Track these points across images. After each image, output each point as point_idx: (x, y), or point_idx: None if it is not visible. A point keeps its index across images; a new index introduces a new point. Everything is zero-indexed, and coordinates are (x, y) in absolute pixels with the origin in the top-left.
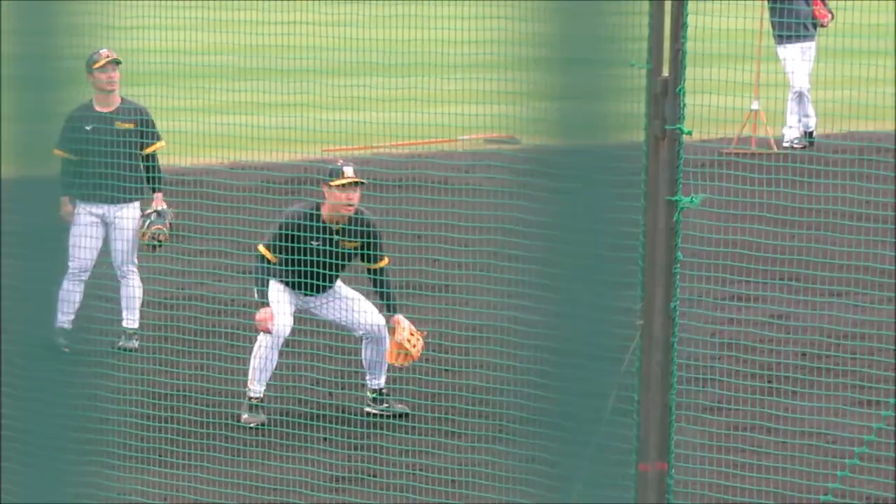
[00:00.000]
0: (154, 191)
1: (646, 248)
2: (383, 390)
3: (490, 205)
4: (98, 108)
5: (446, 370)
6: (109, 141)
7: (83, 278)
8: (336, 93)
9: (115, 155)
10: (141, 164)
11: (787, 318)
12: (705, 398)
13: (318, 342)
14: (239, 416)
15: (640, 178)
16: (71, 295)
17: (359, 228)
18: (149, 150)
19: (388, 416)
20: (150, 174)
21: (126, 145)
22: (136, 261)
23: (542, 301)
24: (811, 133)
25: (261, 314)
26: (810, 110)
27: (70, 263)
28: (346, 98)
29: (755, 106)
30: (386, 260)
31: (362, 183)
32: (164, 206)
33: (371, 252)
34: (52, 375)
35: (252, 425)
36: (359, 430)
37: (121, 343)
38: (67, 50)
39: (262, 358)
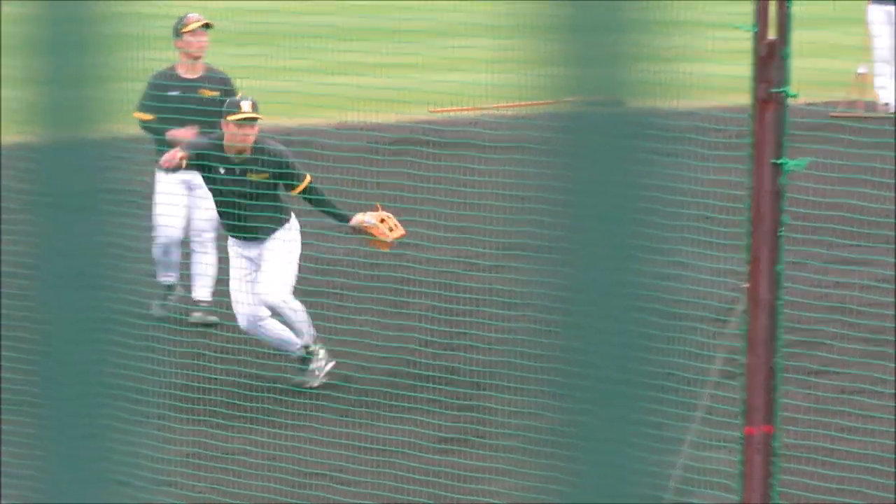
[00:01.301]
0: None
1: (752, 211)
2: (310, 351)
3: (593, 166)
4: (183, 75)
5: (550, 331)
6: (193, 108)
7: (174, 243)
8: (443, 54)
9: (198, 122)
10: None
11: (893, 281)
12: (811, 361)
13: (424, 303)
14: (346, 376)
15: (746, 141)
16: (167, 258)
17: (266, 158)
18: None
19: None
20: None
21: (210, 114)
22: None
23: (649, 263)
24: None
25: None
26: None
27: (159, 229)
28: (452, 59)
29: (862, 69)
30: (307, 179)
31: (257, 118)
32: None
33: (289, 181)
34: (158, 337)
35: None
36: (466, 390)
37: (195, 317)
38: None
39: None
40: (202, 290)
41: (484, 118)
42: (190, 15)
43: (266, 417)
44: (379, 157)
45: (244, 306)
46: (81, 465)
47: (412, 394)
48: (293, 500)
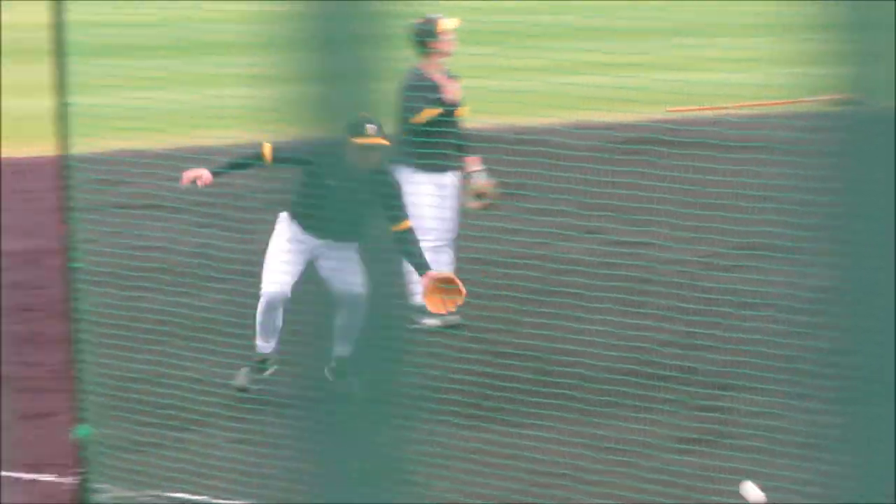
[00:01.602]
0: (467, 155)
1: None
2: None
3: (832, 166)
4: (434, 76)
5: (796, 332)
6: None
7: (438, 245)
8: (678, 53)
9: (449, 124)
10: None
11: None
12: None
13: (662, 302)
14: (584, 375)
15: None
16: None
17: (379, 178)
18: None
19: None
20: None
21: (455, 114)
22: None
23: (887, 263)
24: None
25: (197, 170)
26: None
27: (437, 237)
28: (688, 58)
29: None
30: (407, 223)
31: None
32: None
33: (395, 213)
34: (395, 337)
35: (236, 383)
36: (705, 390)
37: (426, 321)
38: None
39: (260, 323)
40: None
41: (727, 118)
42: (440, 16)
43: (505, 417)
44: (614, 157)
45: (280, 282)
46: (333, 465)
47: (651, 393)
48: (532, 500)
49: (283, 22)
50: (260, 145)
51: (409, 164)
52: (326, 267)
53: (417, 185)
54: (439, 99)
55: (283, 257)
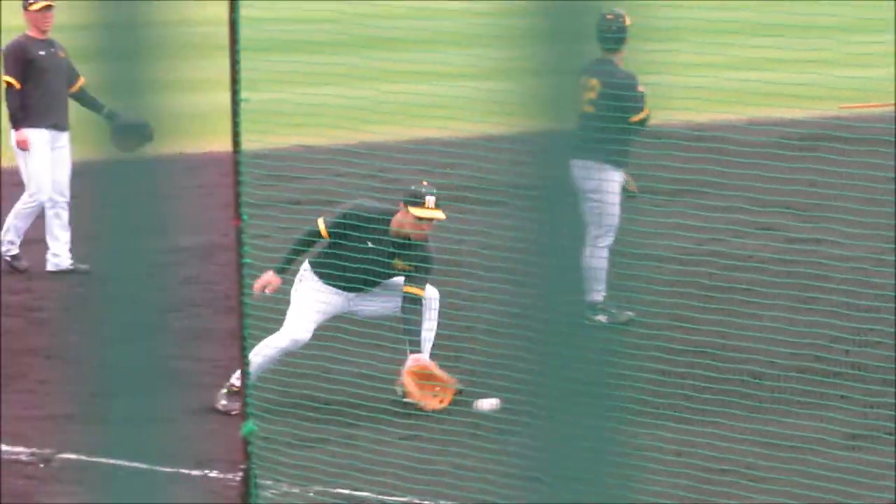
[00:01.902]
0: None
1: None
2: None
3: None
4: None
5: None
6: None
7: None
8: (852, 49)
9: (590, 117)
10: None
11: None
12: None
13: (834, 299)
14: (756, 372)
15: None
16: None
17: (418, 254)
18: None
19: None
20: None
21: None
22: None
23: None
24: None
25: (265, 277)
26: None
27: (609, 236)
28: (863, 55)
29: None
30: (424, 291)
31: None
32: None
33: (417, 275)
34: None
35: (222, 407)
36: (876, 387)
37: (597, 317)
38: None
39: (265, 359)
40: (598, 291)
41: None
42: (624, 13)
43: (675, 413)
44: (788, 153)
45: (309, 330)
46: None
47: (822, 390)
48: (702, 497)
49: (498, 17)
50: (314, 223)
51: (602, 160)
52: (373, 308)
53: (609, 181)
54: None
55: (311, 306)
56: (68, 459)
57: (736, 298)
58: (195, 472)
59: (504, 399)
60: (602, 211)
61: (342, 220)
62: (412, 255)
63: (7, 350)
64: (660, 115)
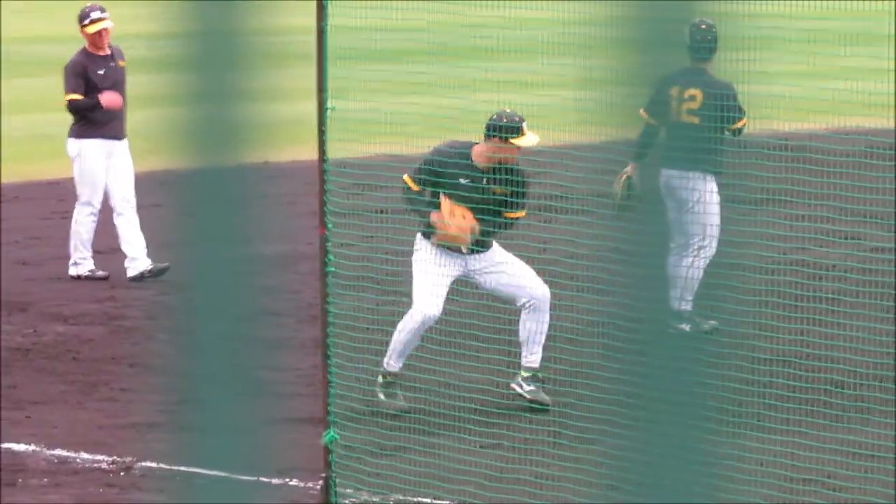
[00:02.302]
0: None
1: None
2: (538, 374)
3: None
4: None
5: None
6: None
7: (692, 254)
8: None
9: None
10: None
11: None
12: None
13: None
14: (838, 381)
15: None
16: (688, 274)
17: (511, 178)
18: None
19: (528, 402)
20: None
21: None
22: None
23: None
24: None
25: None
26: None
27: (709, 248)
28: None
29: None
30: (523, 213)
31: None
32: None
33: (514, 199)
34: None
35: (391, 410)
36: None
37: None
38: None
39: (405, 341)
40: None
41: None
42: (713, 23)
43: (758, 422)
44: (875, 162)
45: (437, 304)
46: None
47: None
48: None
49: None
50: (402, 180)
51: (704, 170)
52: (491, 281)
53: (710, 192)
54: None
55: (433, 279)
56: (149, 468)
57: (819, 307)
58: (276, 481)
59: (587, 408)
60: (704, 221)
61: (426, 167)
62: (507, 181)
63: (90, 358)
64: (750, 124)
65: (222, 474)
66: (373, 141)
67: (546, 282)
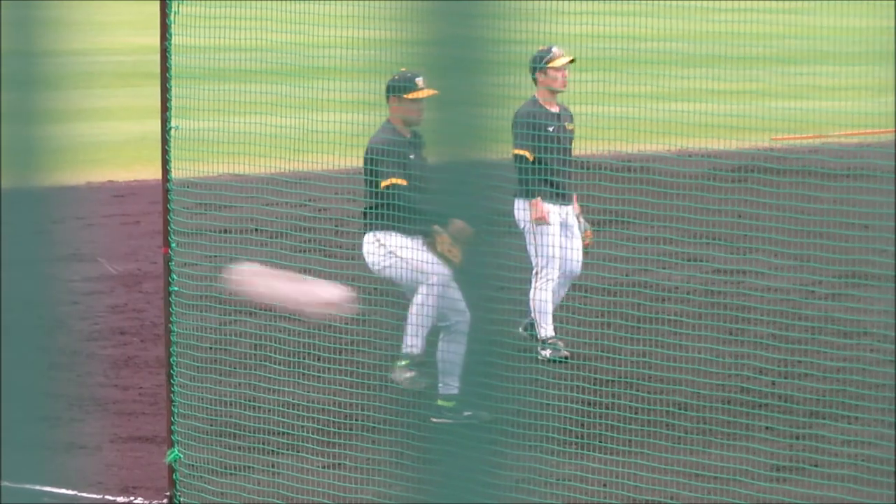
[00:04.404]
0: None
1: None
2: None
3: None
4: (549, 109)
5: (892, 360)
6: (564, 141)
7: (561, 282)
8: (786, 80)
9: (567, 153)
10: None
11: None
12: None
13: (761, 330)
14: (681, 403)
15: None
16: (549, 305)
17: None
18: None
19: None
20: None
21: (568, 150)
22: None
23: None
24: None
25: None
26: None
27: (549, 269)
28: (795, 86)
29: None
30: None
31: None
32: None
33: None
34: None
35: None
36: (802, 419)
37: (542, 352)
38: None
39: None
40: (548, 329)
41: (827, 146)
42: (555, 49)
43: (603, 444)
44: (719, 185)
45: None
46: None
47: (747, 421)
48: None
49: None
50: (388, 186)
51: (527, 196)
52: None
53: (550, 222)
54: (557, 134)
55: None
56: None
57: (663, 329)
58: (121, 499)
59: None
60: (540, 244)
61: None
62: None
63: None
64: (589, 145)
65: (68, 492)
66: (215, 161)
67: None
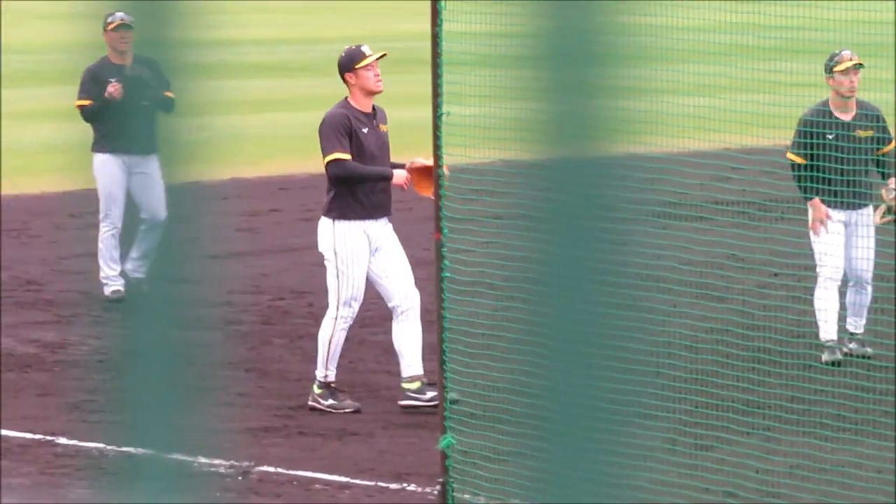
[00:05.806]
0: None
1: None
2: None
3: None
4: (840, 116)
5: None
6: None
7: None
8: None
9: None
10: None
11: None
12: None
13: None
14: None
15: None
16: (825, 304)
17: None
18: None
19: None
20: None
21: (864, 152)
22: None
23: None
24: None
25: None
26: None
27: (825, 269)
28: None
29: None
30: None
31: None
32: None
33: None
34: (766, 348)
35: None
36: None
37: (846, 350)
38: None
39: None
40: (827, 330)
41: None
42: (844, 52)
43: (873, 430)
44: None
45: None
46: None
47: None
48: None
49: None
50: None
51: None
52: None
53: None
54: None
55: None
56: (266, 472)
57: None
58: (394, 486)
59: (704, 415)
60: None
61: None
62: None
63: (206, 363)
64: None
65: (342, 479)
66: (488, 147)
67: (661, 289)
